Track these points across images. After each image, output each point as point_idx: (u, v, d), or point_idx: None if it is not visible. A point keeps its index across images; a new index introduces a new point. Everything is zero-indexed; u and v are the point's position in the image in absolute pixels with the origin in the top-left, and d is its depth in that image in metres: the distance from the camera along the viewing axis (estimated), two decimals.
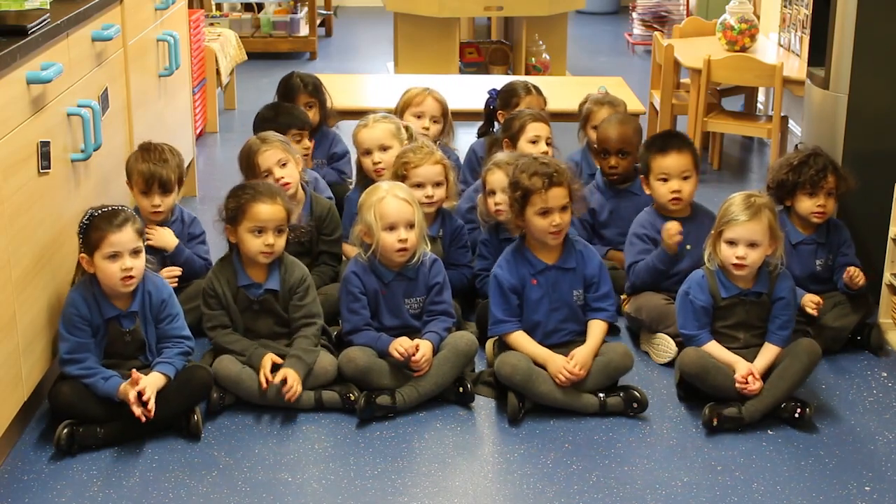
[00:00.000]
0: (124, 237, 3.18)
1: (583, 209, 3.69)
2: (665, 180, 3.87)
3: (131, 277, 3.19)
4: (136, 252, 3.20)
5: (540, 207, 3.42)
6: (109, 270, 3.18)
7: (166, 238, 3.78)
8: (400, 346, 3.39)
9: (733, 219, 3.41)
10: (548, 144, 4.29)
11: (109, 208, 3.24)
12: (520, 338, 3.46)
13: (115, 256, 3.17)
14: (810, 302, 3.70)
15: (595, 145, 4.39)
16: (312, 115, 4.63)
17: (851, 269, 3.79)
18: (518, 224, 3.50)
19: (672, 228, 3.77)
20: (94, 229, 3.18)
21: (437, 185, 3.88)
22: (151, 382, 3.13)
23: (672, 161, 3.86)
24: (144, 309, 3.28)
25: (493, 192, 3.89)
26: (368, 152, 4.13)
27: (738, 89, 6.29)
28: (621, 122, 4.29)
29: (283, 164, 3.90)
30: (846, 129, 4.01)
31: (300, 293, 3.48)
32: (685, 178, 3.87)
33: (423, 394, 3.40)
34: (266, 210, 3.42)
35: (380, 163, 4.09)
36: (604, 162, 4.27)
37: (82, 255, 3.22)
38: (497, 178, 3.87)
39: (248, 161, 3.93)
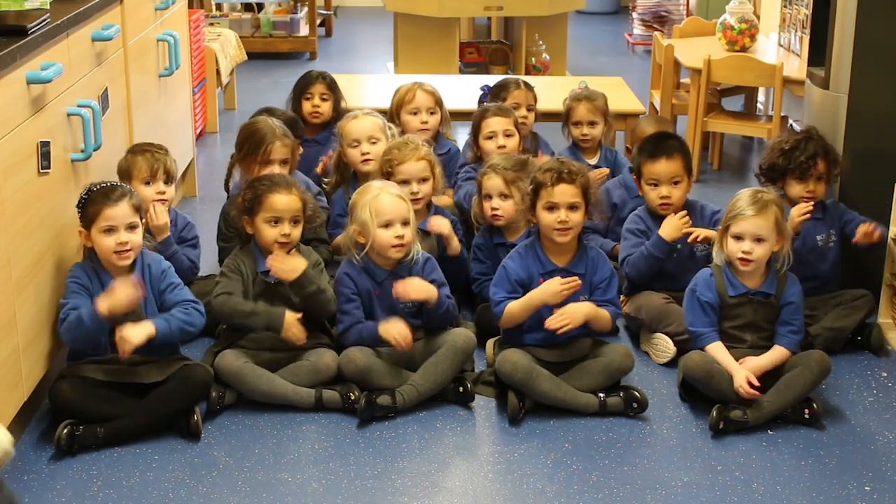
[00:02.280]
0: (119, 211, 3.22)
1: (602, 218, 3.63)
2: (655, 185, 3.87)
3: (127, 251, 3.23)
4: (132, 227, 3.25)
5: (547, 202, 3.42)
6: (105, 244, 3.22)
7: (163, 222, 3.75)
8: (397, 331, 3.39)
9: (740, 213, 3.41)
10: (507, 136, 4.26)
11: (108, 184, 3.31)
12: (512, 307, 3.44)
13: (110, 230, 3.22)
14: (796, 213, 3.73)
15: (629, 145, 4.37)
16: (326, 108, 4.69)
17: (863, 225, 3.82)
18: (531, 220, 3.51)
19: (674, 229, 3.76)
20: (90, 203, 3.24)
21: (423, 180, 3.87)
22: (139, 332, 3.16)
23: (661, 167, 3.85)
24: (145, 281, 3.29)
25: (489, 196, 3.89)
26: (357, 143, 4.13)
27: (738, 89, 6.30)
28: (659, 122, 4.28)
29: (284, 163, 3.95)
30: (846, 129, 4.01)
31: (315, 272, 3.52)
32: (675, 184, 3.86)
33: (422, 393, 3.40)
34: (282, 200, 3.46)
35: (367, 153, 4.10)
36: None
37: (80, 230, 3.27)
38: (493, 183, 3.87)
39: (255, 141, 3.95)
